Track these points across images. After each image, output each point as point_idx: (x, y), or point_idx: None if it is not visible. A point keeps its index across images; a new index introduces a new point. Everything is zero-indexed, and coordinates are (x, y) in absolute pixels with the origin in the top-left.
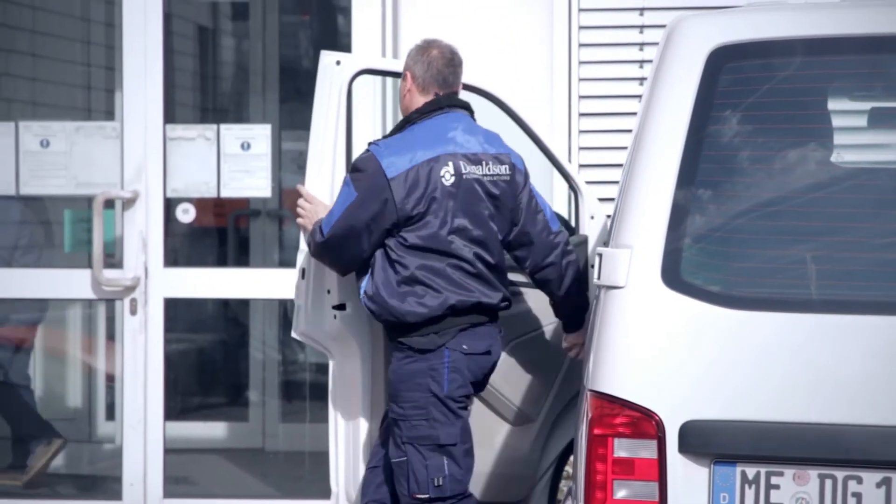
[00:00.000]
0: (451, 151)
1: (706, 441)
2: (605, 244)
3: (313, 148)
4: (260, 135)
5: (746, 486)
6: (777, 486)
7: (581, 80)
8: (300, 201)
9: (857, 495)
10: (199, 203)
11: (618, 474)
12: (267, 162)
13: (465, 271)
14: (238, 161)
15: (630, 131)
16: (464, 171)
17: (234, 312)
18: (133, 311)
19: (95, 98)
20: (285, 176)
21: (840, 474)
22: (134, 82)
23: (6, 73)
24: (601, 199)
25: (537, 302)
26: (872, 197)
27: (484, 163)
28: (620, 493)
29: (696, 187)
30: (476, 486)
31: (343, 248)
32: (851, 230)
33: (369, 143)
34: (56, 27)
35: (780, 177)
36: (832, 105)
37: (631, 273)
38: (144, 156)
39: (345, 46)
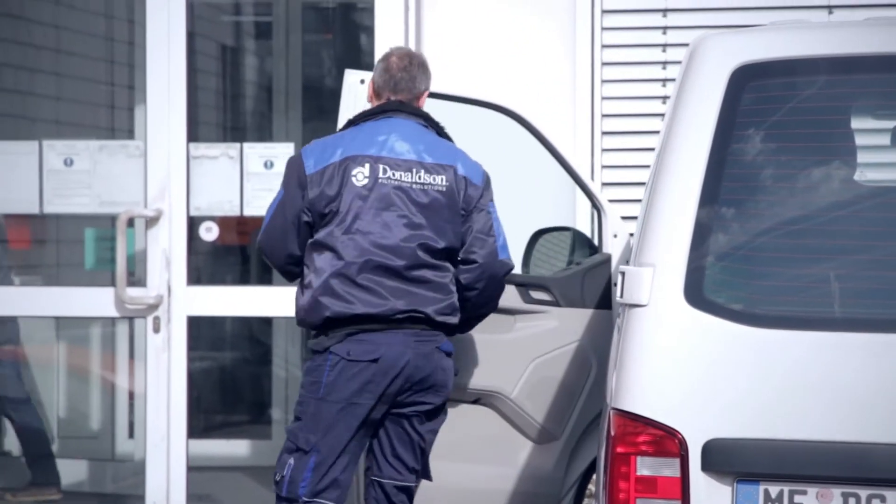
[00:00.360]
0: (374, 154)
1: (729, 459)
2: (628, 262)
3: None
4: (283, 153)
5: None
6: None
7: (604, 98)
8: None
9: None
10: (222, 221)
11: (641, 493)
12: None
13: (348, 278)
14: (261, 179)
15: (653, 150)
16: (381, 175)
17: (256, 330)
18: (156, 329)
19: (119, 117)
20: None
21: (864, 493)
22: (157, 101)
23: (30, 92)
24: (624, 218)
25: (560, 320)
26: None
27: (414, 170)
28: None
29: (719, 205)
30: None
31: (275, 248)
32: (874, 248)
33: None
34: (80, 46)
35: (803, 195)
36: (855, 124)
37: (654, 291)
38: (168, 174)
39: (368, 65)
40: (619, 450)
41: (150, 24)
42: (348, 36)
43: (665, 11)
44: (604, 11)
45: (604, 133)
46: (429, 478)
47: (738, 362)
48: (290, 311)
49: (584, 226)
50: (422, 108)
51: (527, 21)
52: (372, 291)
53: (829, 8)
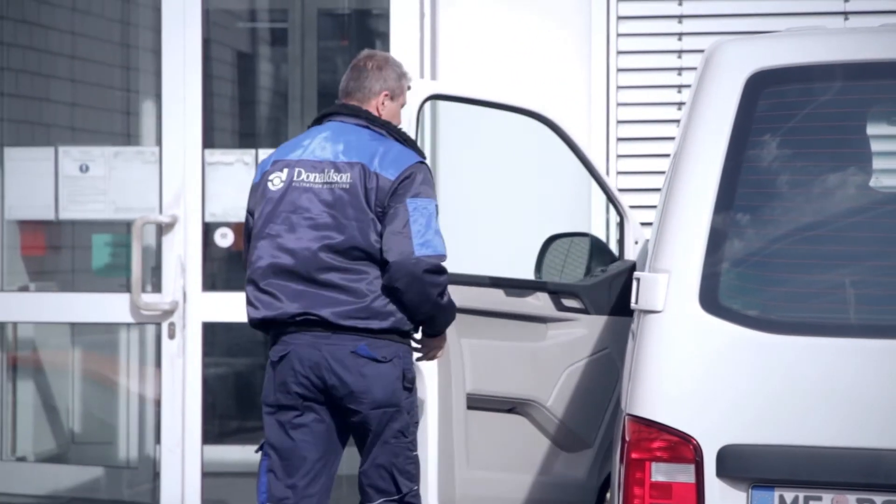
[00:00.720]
0: (294, 158)
1: (744, 465)
2: (643, 268)
3: None
4: None
5: None
6: None
7: (619, 104)
8: None
9: None
10: (238, 227)
11: (655, 498)
12: None
13: (255, 283)
14: None
15: (668, 155)
16: (296, 178)
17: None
18: (171, 336)
19: (134, 123)
20: None
21: (879, 499)
22: (173, 107)
23: (46, 98)
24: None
25: (591, 327)
26: None
27: (326, 171)
28: None
29: (735, 211)
30: None
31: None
32: (891, 254)
33: None
34: (96, 53)
35: (819, 201)
36: (871, 130)
37: (669, 297)
38: (183, 180)
39: None
40: (633, 456)
41: (165, 30)
42: (364, 42)
43: (680, 18)
44: (619, 18)
45: (619, 139)
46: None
47: (753, 368)
48: None
49: (600, 232)
50: (370, 109)
51: (542, 27)
52: (271, 295)
53: (845, 14)
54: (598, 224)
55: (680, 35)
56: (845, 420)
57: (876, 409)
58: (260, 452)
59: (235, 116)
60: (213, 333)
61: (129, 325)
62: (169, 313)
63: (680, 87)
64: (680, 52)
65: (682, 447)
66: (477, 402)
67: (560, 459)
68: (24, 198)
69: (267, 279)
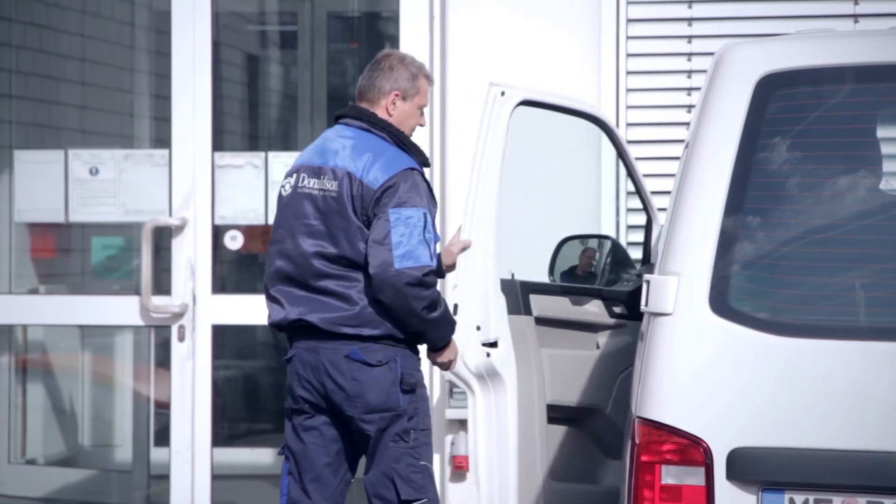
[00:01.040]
0: (305, 163)
1: (754, 468)
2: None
3: (480, 179)
4: None
5: None
6: None
7: (629, 106)
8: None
9: None
10: (247, 230)
11: (665, 501)
12: None
13: (266, 288)
14: None
15: (677, 158)
16: (300, 183)
17: (281, 339)
18: (181, 338)
19: (144, 126)
20: None
21: (889, 502)
22: (183, 110)
23: (56, 101)
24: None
25: (633, 334)
26: None
27: (324, 176)
28: None
29: (744, 214)
30: None
31: None
32: None
33: None
34: (105, 56)
35: (828, 204)
36: (881, 132)
37: (679, 300)
38: (193, 183)
39: None
40: (643, 458)
41: (175, 33)
42: (373, 45)
43: (690, 20)
44: (629, 20)
45: (628, 141)
46: None
47: (763, 371)
48: None
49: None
50: (379, 110)
51: (551, 29)
52: (276, 301)
53: (855, 17)
54: (608, 226)
55: (690, 38)
56: (854, 423)
57: (886, 412)
58: (283, 455)
59: (245, 119)
60: (223, 336)
61: (138, 327)
62: (179, 316)
63: (690, 90)
64: (690, 55)
65: (692, 450)
66: (555, 413)
67: (605, 467)
68: (34, 200)
69: (275, 285)
